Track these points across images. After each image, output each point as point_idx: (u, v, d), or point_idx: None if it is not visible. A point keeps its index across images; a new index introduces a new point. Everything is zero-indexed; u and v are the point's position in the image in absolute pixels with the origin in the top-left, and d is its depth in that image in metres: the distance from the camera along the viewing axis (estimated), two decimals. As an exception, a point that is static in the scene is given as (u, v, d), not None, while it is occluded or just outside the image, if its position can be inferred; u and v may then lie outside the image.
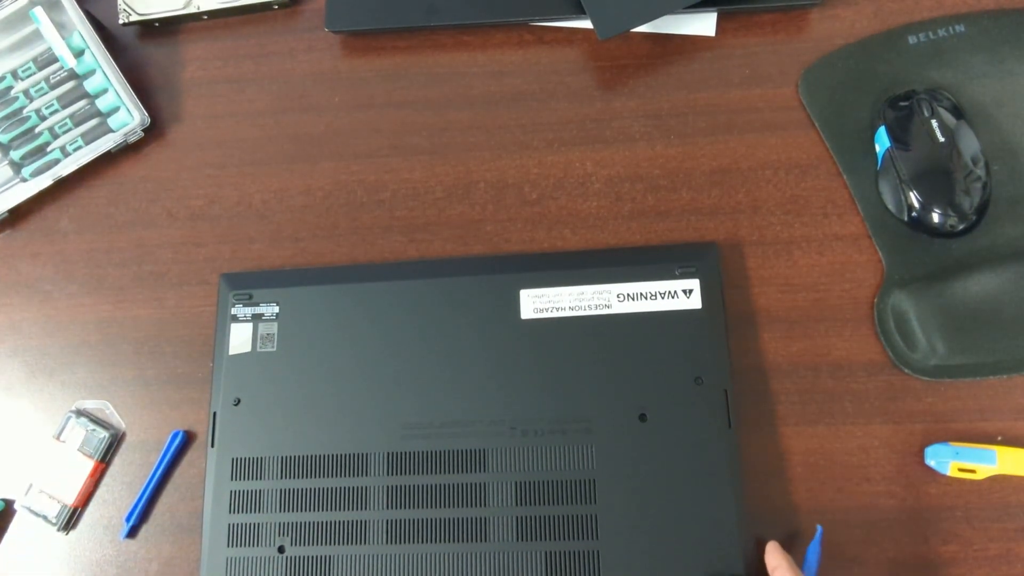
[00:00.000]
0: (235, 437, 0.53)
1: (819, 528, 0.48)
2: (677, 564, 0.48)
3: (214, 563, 0.51)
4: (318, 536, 0.51)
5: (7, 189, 0.61)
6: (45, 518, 0.55)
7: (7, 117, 0.62)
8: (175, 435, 0.55)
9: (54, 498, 0.55)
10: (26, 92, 0.62)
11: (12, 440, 0.57)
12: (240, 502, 0.52)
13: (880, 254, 0.53)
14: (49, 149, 0.61)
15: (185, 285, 0.59)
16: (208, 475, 0.53)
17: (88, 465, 0.55)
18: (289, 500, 0.52)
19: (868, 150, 0.55)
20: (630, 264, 0.53)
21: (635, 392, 0.51)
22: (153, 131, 0.62)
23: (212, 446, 0.53)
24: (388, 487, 0.51)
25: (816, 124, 0.56)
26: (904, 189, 0.52)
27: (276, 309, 0.55)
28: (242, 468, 0.53)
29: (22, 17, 0.62)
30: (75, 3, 0.62)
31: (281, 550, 0.51)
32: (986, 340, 0.50)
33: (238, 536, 0.51)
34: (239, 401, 0.54)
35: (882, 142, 0.53)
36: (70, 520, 0.55)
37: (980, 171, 0.52)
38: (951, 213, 0.51)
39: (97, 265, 0.60)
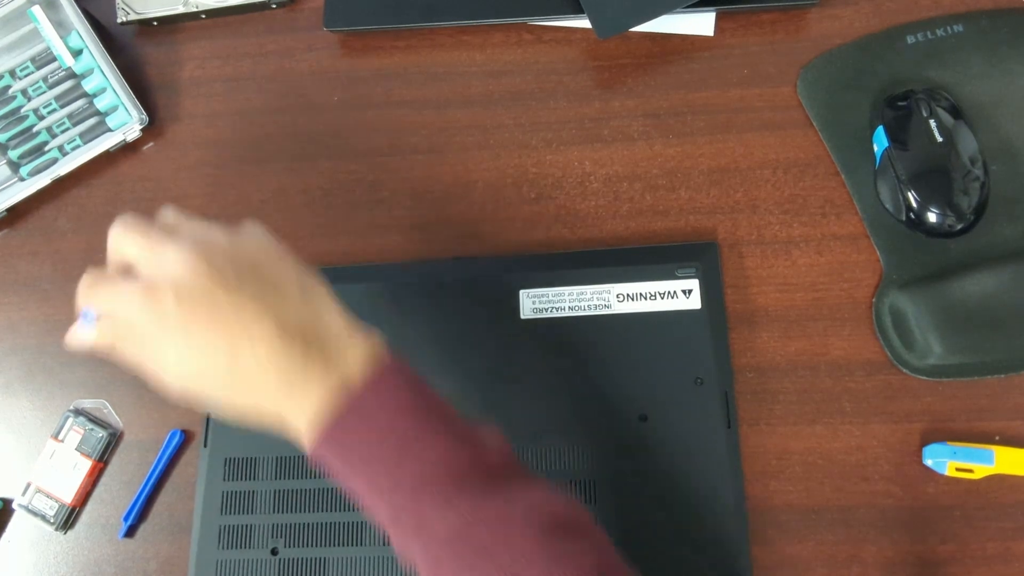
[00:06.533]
0: (229, 437, 0.53)
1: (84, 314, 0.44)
2: (677, 564, 0.48)
3: (204, 566, 0.51)
4: (312, 538, 0.51)
5: (5, 188, 0.61)
6: (43, 517, 0.54)
7: (5, 116, 0.62)
8: (173, 434, 0.55)
9: (52, 497, 0.55)
10: (24, 91, 0.62)
11: (10, 439, 0.57)
12: (232, 503, 0.52)
13: (878, 254, 0.53)
14: (47, 148, 0.61)
15: (183, 284, 0.58)
16: (200, 475, 0.53)
17: (86, 464, 0.55)
18: (283, 501, 0.51)
19: (866, 150, 0.55)
20: (629, 264, 0.53)
21: (635, 392, 0.51)
22: (151, 130, 0.62)
23: (205, 446, 0.53)
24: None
25: (815, 123, 0.56)
26: (902, 189, 0.52)
27: (274, 308, 0.55)
28: (235, 468, 0.52)
29: (20, 16, 0.62)
30: (73, 2, 0.62)
31: (274, 552, 0.51)
32: (984, 340, 0.50)
33: (230, 538, 0.51)
34: (237, 400, 0.54)
35: (880, 142, 0.53)
36: (68, 519, 0.55)
37: (978, 171, 0.52)
38: (949, 213, 0.51)
39: (95, 264, 0.60)
